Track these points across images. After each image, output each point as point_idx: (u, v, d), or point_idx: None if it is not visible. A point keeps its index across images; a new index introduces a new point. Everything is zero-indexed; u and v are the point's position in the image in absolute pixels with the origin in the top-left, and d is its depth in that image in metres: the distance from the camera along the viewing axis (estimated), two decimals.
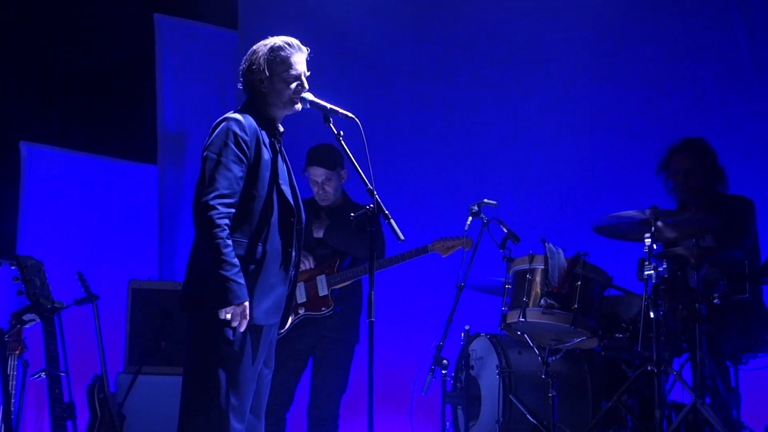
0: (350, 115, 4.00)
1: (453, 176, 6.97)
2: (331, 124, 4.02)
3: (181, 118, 7.34)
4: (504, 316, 5.17)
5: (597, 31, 6.97)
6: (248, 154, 3.81)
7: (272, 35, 4.01)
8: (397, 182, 6.81)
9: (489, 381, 5.28)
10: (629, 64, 6.94)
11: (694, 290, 4.96)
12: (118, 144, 7.51)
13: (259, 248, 3.80)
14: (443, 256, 5.47)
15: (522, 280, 5.09)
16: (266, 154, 3.87)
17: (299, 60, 3.97)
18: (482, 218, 5.27)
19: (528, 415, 5.10)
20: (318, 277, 5.46)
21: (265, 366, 3.95)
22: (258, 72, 3.93)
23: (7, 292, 6.11)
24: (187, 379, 3.81)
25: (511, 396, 5.16)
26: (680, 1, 6.92)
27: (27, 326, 5.14)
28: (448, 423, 5.33)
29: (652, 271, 4.82)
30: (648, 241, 4.90)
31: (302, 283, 5.41)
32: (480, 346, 5.42)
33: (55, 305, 5.15)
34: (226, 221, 3.71)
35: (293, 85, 3.95)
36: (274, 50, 3.94)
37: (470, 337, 5.33)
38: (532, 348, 5.17)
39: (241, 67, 4.01)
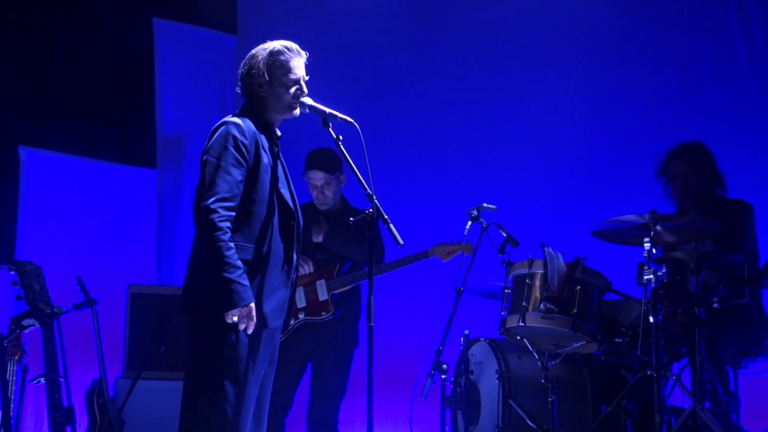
0: (349, 119, 4.00)
1: (452, 181, 6.97)
2: (330, 129, 4.02)
3: (179, 123, 7.32)
4: (503, 321, 5.17)
5: (596, 36, 6.98)
6: (248, 157, 3.80)
7: (271, 40, 4.01)
8: (396, 187, 6.80)
9: (488, 385, 5.28)
10: (629, 69, 6.95)
11: (693, 294, 4.95)
12: (117, 148, 7.51)
13: (262, 251, 3.79)
14: (443, 261, 5.47)
15: (521, 285, 5.09)
16: (265, 158, 3.86)
17: (298, 64, 3.97)
18: (481, 223, 5.26)
19: (527, 420, 5.09)
20: (318, 282, 5.46)
21: (268, 364, 3.92)
22: (257, 76, 3.93)
23: (6, 298, 6.09)
24: (188, 384, 3.78)
25: (510, 401, 5.15)
26: (679, 4, 6.93)
27: (26, 331, 5.13)
28: (447, 428, 5.32)
29: (652, 276, 4.82)
30: (647, 245, 4.90)
31: (302, 287, 5.41)
32: (479, 351, 5.41)
33: (54, 310, 5.14)
34: (228, 224, 3.70)
35: (292, 90, 3.95)
36: (274, 54, 3.94)
37: (470, 342, 5.32)
38: (531, 352, 5.17)
39: (240, 71, 4.00)
